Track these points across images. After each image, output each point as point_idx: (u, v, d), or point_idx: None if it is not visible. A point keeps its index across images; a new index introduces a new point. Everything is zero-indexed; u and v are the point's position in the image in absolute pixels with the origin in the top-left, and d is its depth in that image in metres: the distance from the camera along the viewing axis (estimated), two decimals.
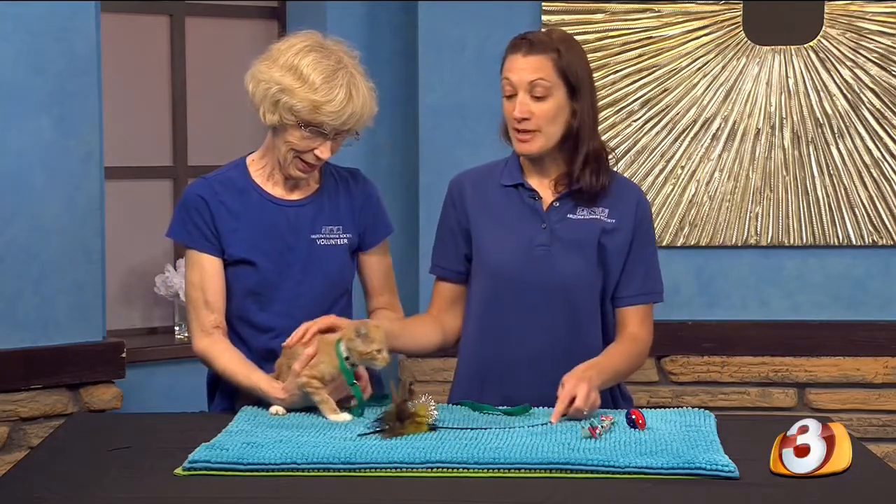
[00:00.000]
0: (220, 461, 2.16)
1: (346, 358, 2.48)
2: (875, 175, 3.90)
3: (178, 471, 2.16)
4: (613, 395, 2.75)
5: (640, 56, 3.94)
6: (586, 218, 2.70)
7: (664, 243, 3.93)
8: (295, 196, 2.75)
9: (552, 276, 2.68)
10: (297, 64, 2.61)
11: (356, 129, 2.66)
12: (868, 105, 3.89)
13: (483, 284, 2.73)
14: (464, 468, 2.14)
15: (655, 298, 2.78)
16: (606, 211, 2.70)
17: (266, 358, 2.67)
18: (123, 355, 3.60)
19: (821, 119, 3.90)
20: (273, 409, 2.54)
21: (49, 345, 3.49)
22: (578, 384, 2.48)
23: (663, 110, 3.95)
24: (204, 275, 2.69)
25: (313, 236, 2.73)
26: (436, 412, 2.40)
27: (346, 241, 2.76)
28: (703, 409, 2.54)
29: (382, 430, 2.34)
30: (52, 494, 2.06)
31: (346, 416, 2.46)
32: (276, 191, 2.74)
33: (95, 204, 3.56)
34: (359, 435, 2.33)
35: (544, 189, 2.72)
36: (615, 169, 2.80)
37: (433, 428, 2.37)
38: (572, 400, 2.45)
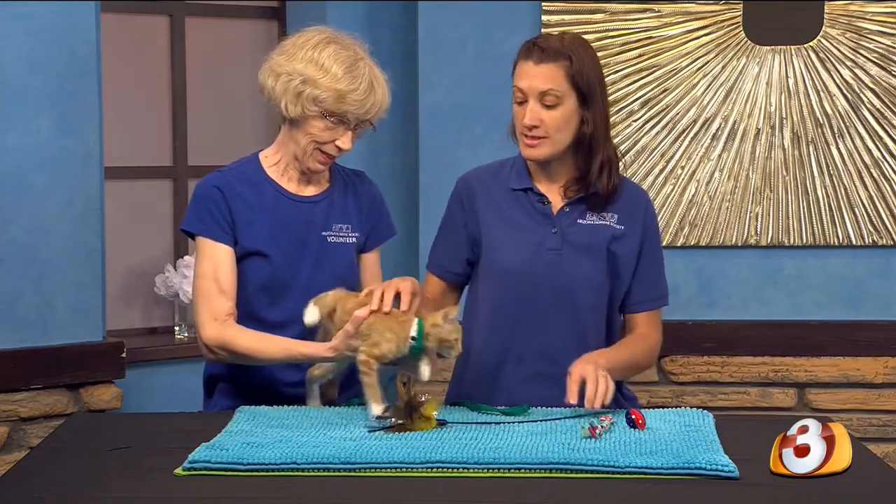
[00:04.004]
0: (220, 461, 2.16)
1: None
2: (875, 175, 3.90)
3: (178, 471, 2.16)
4: (615, 398, 2.76)
5: (640, 56, 3.94)
6: (596, 223, 2.71)
7: (664, 243, 3.91)
8: (308, 192, 2.76)
9: (562, 280, 2.69)
10: (317, 56, 2.63)
11: (375, 118, 2.68)
12: (868, 105, 3.89)
13: (493, 287, 2.74)
14: (464, 468, 2.14)
15: (663, 303, 2.82)
16: (616, 217, 2.72)
17: None
18: (123, 355, 3.59)
19: (821, 119, 3.90)
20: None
21: (49, 345, 3.48)
22: (585, 367, 2.50)
23: (663, 110, 3.95)
24: (218, 264, 2.68)
25: (324, 233, 2.74)
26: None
27: (354, 239, 2.77)
28: (701, 409, 2.54)
29: (392, 425, 2.34)
30: (52, 494, 2.06)
31: (382, 409, 2.42)
32: (291, 186, 2.75)
33: (95, 204, 3.56)
34: (368, 430, 2.34)
35: (553, 194, 2.74)
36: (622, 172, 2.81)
37: (442, 424, 2.37)
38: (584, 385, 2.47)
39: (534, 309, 2.69)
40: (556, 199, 2.74)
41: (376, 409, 2.43)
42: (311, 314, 2.54)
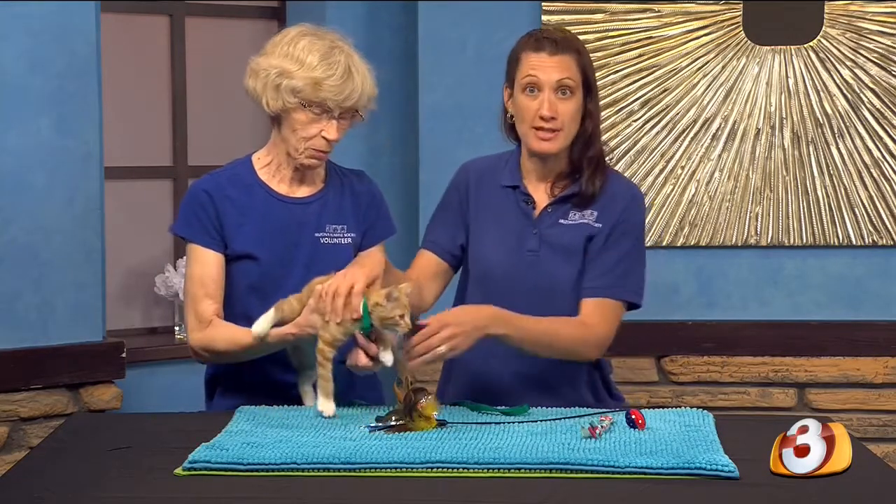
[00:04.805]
0: (220, 461, 2.16)
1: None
2: (875, 175, 3.90)
3: (178, 471, 2.16)
4: (598, 396, 2.76)
5: (640, 56, 3.94)
6: (576, 223, 2.71)
7: (664, 243, 3.94)
8: (301, 193, 2.76)
9: (541, 281, 2.69)
10: (291, 50, 2.64)
11: (359, 107, 2.67)
12: (868, 105, 3.89)
13: (477, 285, 2.75)
14: (464, 468, 2.14)
15: (622, 296, 2.70)
16: (595, 214, 2.71)
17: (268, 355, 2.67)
18: (123, 355, 3.60)
19: (821, 119, 3.90)
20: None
21: (49, 345, 3.49)
22: (453, 327, 2.49)
23: (663, 110, 3.95)
24: (205, 268, 2.69)
25: (317, 234, 2.74)
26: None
27: (349, 240, 2.77)
28: (701, 409, 2.54)
29: (393, 425, 2.34)
30: (52, 494, 2.06)
31: (331, 409, 2.43)
32: (282, 188, 2.75)
33: (95, 204, 3.56)
34: (369, 429, 2.34)
35: (540, 193, 2.74)
36: (617, 168, 2.81)
37: (442, 423, 2.37)
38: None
39: (514, 309, 2.66)
40: (542, 199, 2.73)
41: (323, 404, 2.43)
42: (261, 324, 2.55)
